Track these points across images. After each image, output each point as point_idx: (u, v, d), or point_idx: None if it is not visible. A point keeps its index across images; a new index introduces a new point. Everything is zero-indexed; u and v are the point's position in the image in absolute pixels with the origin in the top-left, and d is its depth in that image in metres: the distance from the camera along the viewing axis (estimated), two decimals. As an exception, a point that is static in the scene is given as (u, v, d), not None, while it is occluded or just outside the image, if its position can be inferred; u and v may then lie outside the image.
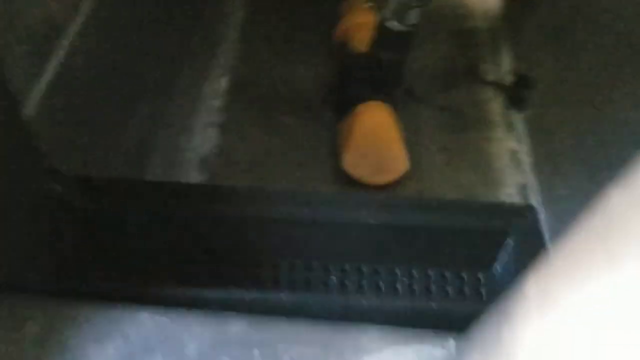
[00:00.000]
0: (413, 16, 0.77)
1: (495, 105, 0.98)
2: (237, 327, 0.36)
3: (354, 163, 0.87)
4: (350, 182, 0.88)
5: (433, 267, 0.47)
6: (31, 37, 0.48)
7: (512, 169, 0.89)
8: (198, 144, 0.88)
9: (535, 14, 0.95)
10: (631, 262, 0.17)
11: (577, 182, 0.75)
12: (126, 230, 0.46)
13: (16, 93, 0.43)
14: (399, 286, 0.47)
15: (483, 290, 0.47)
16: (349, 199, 0.49)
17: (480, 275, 0.47)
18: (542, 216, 0.83)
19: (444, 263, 0.47)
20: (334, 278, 0.48)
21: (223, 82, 0.96)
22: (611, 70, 0.74)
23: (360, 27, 0.93)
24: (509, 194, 0.87)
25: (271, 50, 1.05)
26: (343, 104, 0.92)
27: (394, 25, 0.78)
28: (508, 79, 0.98)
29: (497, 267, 0.46)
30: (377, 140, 0.87)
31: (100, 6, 0.57)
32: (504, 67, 1.01)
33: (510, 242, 0.45)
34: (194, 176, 0.85)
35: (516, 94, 0.92)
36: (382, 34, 0.81)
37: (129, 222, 0.46)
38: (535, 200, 0.84)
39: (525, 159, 0.88)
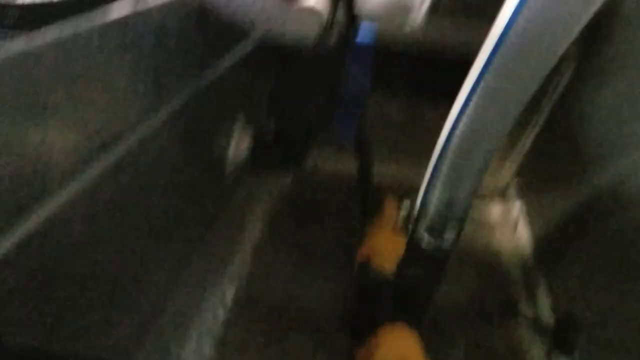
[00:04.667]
0: (447, 234, 0.71)
1: (535, 347, 0.85)
2: None
3: (373, 399, 0.72)
4: None
5: None
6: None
7: None
8: (190, 353, 0.75)
9: (571, 246, 0.89)
10: None
11: None
12: None
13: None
14: None
15: None
16: None
17: None
18: None
19: None
20: None
21: (230, 292, 0.86)
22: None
23: (386, 246, 0.87)
24: None
25: (286, 263, 0.98)
26: (362, 327, 0.80)
27: (428, 242, 0.72)
28: (549, 318, 0.87)
29: None
30: (401, 373, 0.73)
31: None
32: (542, 305, 0.91)
33: None
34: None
35: (561, 337, 0.81)
36: (414, 252, 0.74)
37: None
38: None
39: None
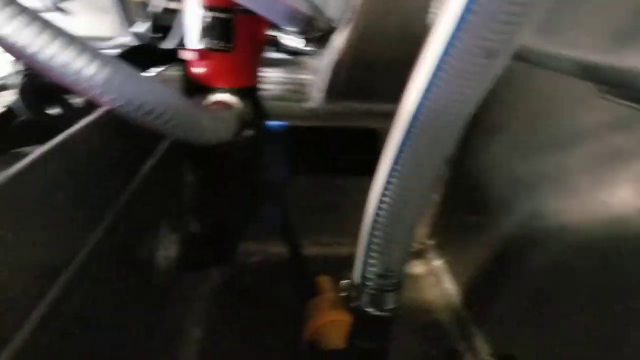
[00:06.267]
0: (390, 300, 0.74)
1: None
2: None
3: None
4: None
5: None
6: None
7: None
8: None
9: (497, 290, 0.95)
10: None
11: None
12: None
13: None
14: None
15: None
16: None
17: None
18: None
19: None
20: None
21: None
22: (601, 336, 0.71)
23: (332, 324, 0.89)
24: None
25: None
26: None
27: (372, 311, 0.74)
28: (491, 364, 0.92)
29: None
30: None
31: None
32: (482, 352, 0.96)
33: None
34: None
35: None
36: (360, 323, 0.76)
37: None
38: None
39: None
